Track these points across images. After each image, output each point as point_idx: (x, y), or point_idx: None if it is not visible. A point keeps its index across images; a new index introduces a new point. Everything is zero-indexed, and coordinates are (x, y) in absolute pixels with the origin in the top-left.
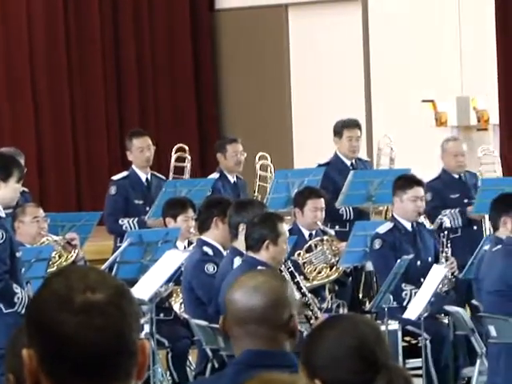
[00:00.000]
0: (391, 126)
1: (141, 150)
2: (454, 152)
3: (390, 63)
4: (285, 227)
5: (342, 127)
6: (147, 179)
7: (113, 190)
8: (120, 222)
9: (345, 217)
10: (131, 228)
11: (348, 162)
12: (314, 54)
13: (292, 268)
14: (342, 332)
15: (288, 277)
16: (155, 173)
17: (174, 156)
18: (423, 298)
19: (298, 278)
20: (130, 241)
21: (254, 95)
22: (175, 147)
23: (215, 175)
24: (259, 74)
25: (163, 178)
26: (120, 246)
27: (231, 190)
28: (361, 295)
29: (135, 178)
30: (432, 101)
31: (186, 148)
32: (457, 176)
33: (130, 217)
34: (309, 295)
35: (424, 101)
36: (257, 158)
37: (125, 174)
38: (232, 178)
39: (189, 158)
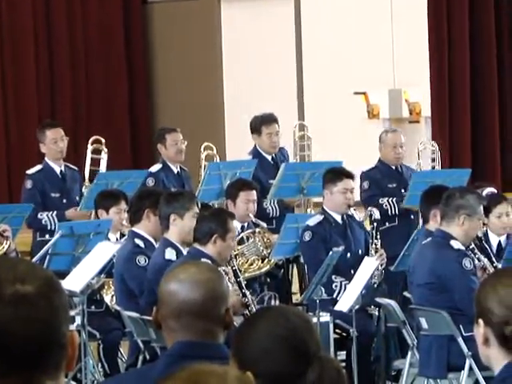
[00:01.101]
0: (324, 119)
1: (54, 141)
2: (393, 144)
3: (323, 56)
4: (235, 224)
5: (260, 124)
6: (61, 171)
7: (29, 184)
8: (39, 216)
9: (271, 214)
10: (50, 222)
11: (269, 157)
12: (247, 45)
13: (236, 267)
14: (273, 323)
15: (232, 275)
16: (68, 164)
17: (90, 148)
18: (354, 291)
19: (241, 278)
20: (61, 233)
21: (186, 87)
22: (91, 139)
23: (158, 166)
24: (192, 66)
25: (76, 169)
26: (40, 240)
27: (175, 181)
28: (294, 287)
29: (49, 170)
30: (364, 93)
31: (103, 140)
32: (394, 167)
33: (48, 210)
34: (249, 296)
35: (356, 93)
36: (202, 148)
37: (39, 167)
38: (175, 169)
39: (105, 150)
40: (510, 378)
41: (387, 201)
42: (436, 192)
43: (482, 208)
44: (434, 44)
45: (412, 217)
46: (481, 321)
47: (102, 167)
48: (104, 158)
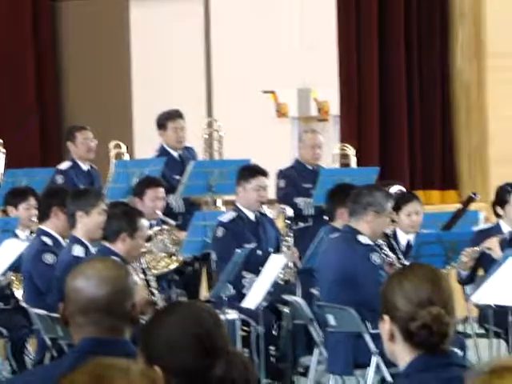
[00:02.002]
0: (232, 117)
1: None
2: (312, 144)
3: (231, 54)
4: (144, 223)
5: (166, 119)
6: None
7: None
8: None
9: (175, 210)
10: None
11: (175, 154)
12: (155, 43)
13: (144, 265)
14: (181, 318)
15: (141, 273)
16: None
17: None
18: (262, 288)
19: (149, 276)
20: None
21: (95, 85)
22: None
23: (67, 164)
24: (101, 65)
25: None
26: None
27: (84, 179)
28: (202, 285)
29: None
30: (273, 92)
31: (1, 141)
32: (310, 167)
33: None
34: (157, 294)
35: (265, 92)
36: (111, 146)
37: None
38: (85, 167)
39: (3, 150)
40: (415, 374)
41: (302, 201)
42: (342, 190)
43: (389, 205)
44: (342, 43)
45: (326, 218)
46: (386, 317)
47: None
48: (1, 158)
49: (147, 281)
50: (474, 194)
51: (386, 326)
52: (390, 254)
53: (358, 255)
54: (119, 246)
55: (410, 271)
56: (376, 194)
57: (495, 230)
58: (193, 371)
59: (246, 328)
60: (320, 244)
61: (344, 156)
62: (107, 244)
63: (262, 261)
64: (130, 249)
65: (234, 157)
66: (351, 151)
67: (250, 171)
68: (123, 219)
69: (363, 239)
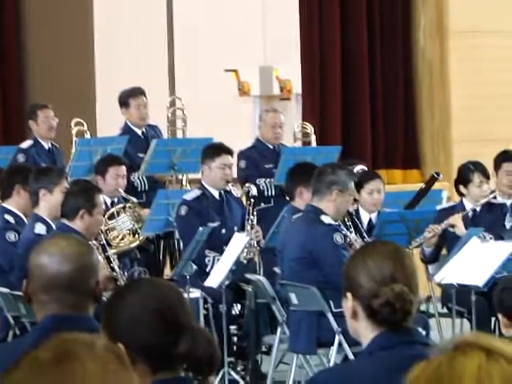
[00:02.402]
0: (195, 95)
1: None
2: (273, 123)
3: (194, 32)
4: (101, 199)
5: (128, 97)
6: None
7: None
8: None
9: (139, 188)
10: None
11: (139, 132)
12: (118, 21)
13: (104, 242)
14: (143, 295)
15: (100, 250)
16: None
17: None
18: (224, 266)
19: (109, 253)
20: None
21: (57, 63)
22: None
23: (29, 142)
24: (63, 42)
25: None
26: None
27: (46, 157)
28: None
29: None
30: (235, 70)
31: None
32: (271, 147)
33: None
34: (118, 270)
35: (227, 70)
36: (72, 124)
37: None
38: (46, 145)
39: None
40: (378, 351)
41: (264, 182)
42: (302, 169)
43: (353, 184)
44: (304, 21)
45: (288, 198)
46: (349, 294)
47: None
48: None
49: (107, 257)
50: (437, 174)
51: (348, 303)
52: (349, 234)
53: (320, 235)
54: (78, 224)
55: (373, 249)
56: (339, 173)
57: (458, 209)
58: (156, 348)
59: (208, 307)
60: (282, 223)
61: (305, 135)
62: (66, 222)
63: (227, 239)
64: (89, 226)
65: (195, 135)
66: (312, 130)
67: (215, 149)
68: (81, 196)
69: (326, 219)
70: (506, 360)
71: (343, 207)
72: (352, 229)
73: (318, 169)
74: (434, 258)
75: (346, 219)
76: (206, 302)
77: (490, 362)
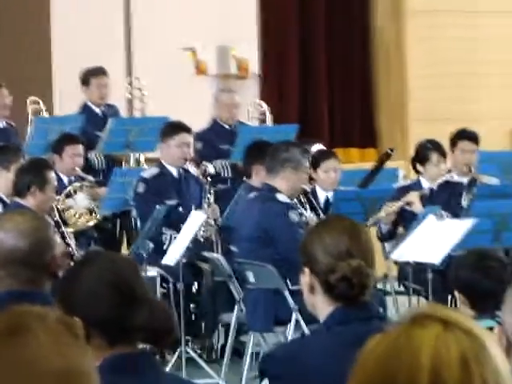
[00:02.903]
0: (152, 75)
1: None
2: (228, 104)
3: (151, 12)
4: (53, 175)
5: (90, 76)
6: None
7: None
8: None
9: (96, 166)
10: None
11: (98, 111)
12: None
13: (58, 217)
14: (98, 268)
15: (54, 227)
16: None
17: None
18: (181, 244)
19: (63, 229)
20: None
21: (12, 40)
22: None
23: None
24: (17, 19)
25: None
26: None
27: (0, 136)
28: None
29: None
30: (192, 49)
31: None
32: (228, 127)
33: None
34: (73, 246)
35: (184, 49)
36: (28, 102)
37: None
38: (1, 124)
39: None
40: (335, 326)
41: (220, 163)
42: (258, 147)
43: (307, 161)
44: (262, 0)
45: (244, 177)
46: (306, 269)
47: None
48: None
49: (62, 234)
50: (391, 150)
51: (306, 278)
52: (305, 212)
53: (275, 213)
54: (30, 201)
55: (330, 224)
56: (293, 150)
57: (415, 187)
58: (112, 320)
59: (165, 285)
60: (238, 201)
61: (261, 114)
62: (18, 199)
63: (184, 217)
64: (41, 202)
65: (153, 114)
66: (268, 109)
67: (173, 128)
68: (31, 173)
69: (281, 197)
70: (461, 330)
71: (298, 185)
72: (307, 207)
73: (271, 147)
74: (391, 236)
75: (301, 198)
76: (165, 281)
77: (446, 333)
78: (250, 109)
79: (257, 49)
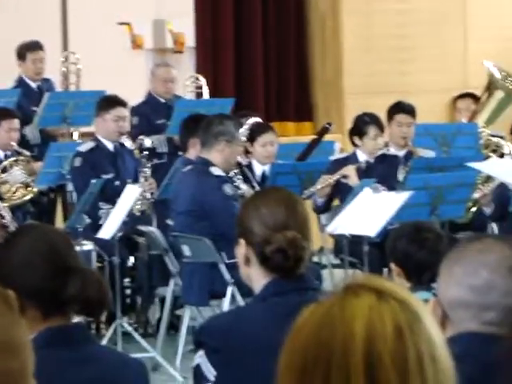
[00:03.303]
0: (88, 49)
1: None
2: (164, 78)
3: None
4: None
5: (26, 50)
6: None
7: None
8: None
9: (31, 141)
10: None
11: (34, 85)
12: None
13: None
14: (31, 239)
15: None
16: None
17: None
18: (117, 218)
19: None
20: None
21: None
22: None
23: None
24: None
25: None
26: None
27: None
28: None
29: None
30: (128, 24)
31: None
32: (164, 101)
33: None
34: (8, 217)
35: (120, 23)
36: None
37: None
38: None
39: None
40: (270, 297)
41: (157, 139)
42: (195, 121)
43: (240, 133)
44: None
45: (180, 153)
46: (242, 240)
47: None
48: None
49: None
50: (329, 125)
51: (241, 249)
52: (242, 185)
53: (210, 186)
54: None
55: (266, 195)
56: (226, 123)
57: (352, 159)
58: (45, 291)
59: (103, 260)
60: (175, 175)
61: (198, 87)
62: None
63: (120, 191)
64: None
65: (89, 89)
66: (204, 82)
67: (109, 102)
68: None
69: (215, 170)
70: (396, 301)
71: (232, 158)
72: (242, 180)
73: (205, 120)
74: (326, 209)
75: (237, 171)
76: (100, 255)
77: (380, 303)
78: (187, 83)
79: (192, 23)
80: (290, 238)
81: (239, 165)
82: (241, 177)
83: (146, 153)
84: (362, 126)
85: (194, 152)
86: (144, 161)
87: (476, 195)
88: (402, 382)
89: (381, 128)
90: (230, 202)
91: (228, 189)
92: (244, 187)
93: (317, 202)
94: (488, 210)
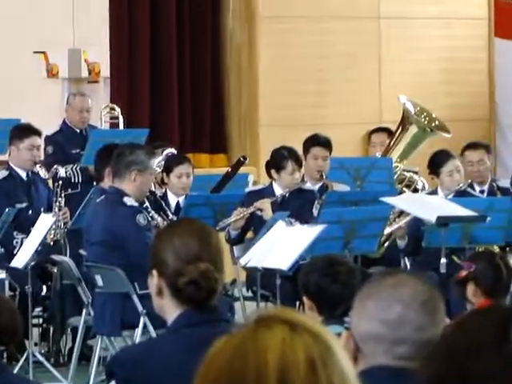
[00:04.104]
0: (3, 76)
1: None
2: (80, 107)
3: (3, 13)
4: None
5: None
6: None
7: None
8: None
9: None
10: None
11: None
12: None
13: None
14: None
15: None
16: None
17: None
18: (30, 247)
19: None
20: None
21: None
22: None
23: None
24: None
25: None
26: None
27: None
28: None
29: None
30: (44, 52)
31: None
32: (78, 131)
33: None
34: None
35: (36, 52)
36: None
37: None
38: None
39: None
40: (182, 329)
41: (71, 168)
42: (109, 151)
43: (152, 163)
44: (113, 4)
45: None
46: (155, 271)
47: None
48: None
49: None
50: (244, 158)
51: (154, 280)
52: (156, 216)
53: (123, 217)
54: None
55: (180, 227)
56: (137, 153)
57: (267, 192)
58: None
59: (15, 289)
60: (88, 204)
61: (113, 117)
62: None
63: (34, 221)
64: None
65: (3, 116)
66: (119, 112)
67: (23, 130)
68: None
69: (128, 201)
70: (309, 333)
71: (145, 187)
72: (153, 212)
73: (116, 150)
74: (239, 240)
75: (151, 201)
76: (13, 285)
77: (293, 335)
78: (103, 112)
79: (108, 53)
80: (202, 270)
81: (153, 194)
82: (153, 208)
83: (60, 182)
84: (279, 160)
85: (108, 182)
86: (59, 190)
87: (389, 229)
88: None
89: (299, 163)
90: (142, 232)
91: (141, 219)
92: (158, 218)
93: (230, 234)
94: (402, 244)
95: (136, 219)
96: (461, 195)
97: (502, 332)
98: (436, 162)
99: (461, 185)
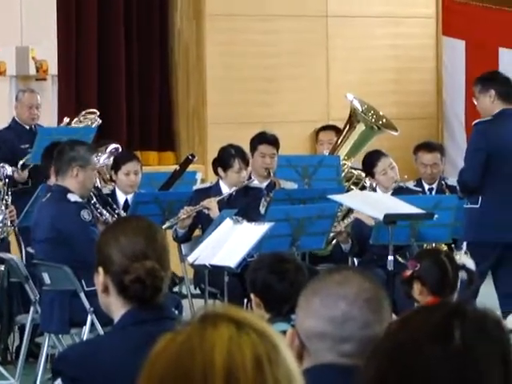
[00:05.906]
0: None
1: None
2: (29, 104)
3: None
4: None
5: None
6: None
7: None
8: None
9: None
10: None
11: None
12: None
13: None
14: None
15: None
16: None
17: None
18: None
19: None
20: None
21: None
22: None
23: None
24: None
25: None
26: None
27: None
28: None
29: None
30: None
31: None
32: (28, 127)
33: None
34: None
35: None
36: None
37: None
38: None
39: None
40: (128, 326)
41: (19, 165)
42: (54, 149)
43: (94, 158)
44: (61, 0)
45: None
46: (101, 269)
47: None
48: None
49: None
50: (192, 156)
51: (100, 278)
52: (105, 212)
53: (68, 214)
54: None
55: (126, 224)
56: (78, 149)
57: (215, 190)
58: None
59: None
60: (36, 202)
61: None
62: None
63: None
64: None
65: None
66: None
67: None
68: None
69: (72, 197)
70: (255, 332)
71: (88, 183)
72: (101, 208)
73: (57, 148)
74: (187, 238)
75: (97, 197)
76: None
77: (240, 334)
78: (54, 111)
79: (56, 50)
80: (148, 268)
81: (98, 190)
82: (97, 202)
83: (7, 180)
84: (226, 158)
85: (54, 179)
86: (6, 188)
87: (338, 228)
88: None
89: (245, 161)
90: (88, 228)
91: (86, 214)
92: (107, 214)
93: (178, 233)
94: (347, 247)
95: (81, 215)
96: (399, 192)
97: (446, 328)
98: (369, 163)
99: (398, 182)
